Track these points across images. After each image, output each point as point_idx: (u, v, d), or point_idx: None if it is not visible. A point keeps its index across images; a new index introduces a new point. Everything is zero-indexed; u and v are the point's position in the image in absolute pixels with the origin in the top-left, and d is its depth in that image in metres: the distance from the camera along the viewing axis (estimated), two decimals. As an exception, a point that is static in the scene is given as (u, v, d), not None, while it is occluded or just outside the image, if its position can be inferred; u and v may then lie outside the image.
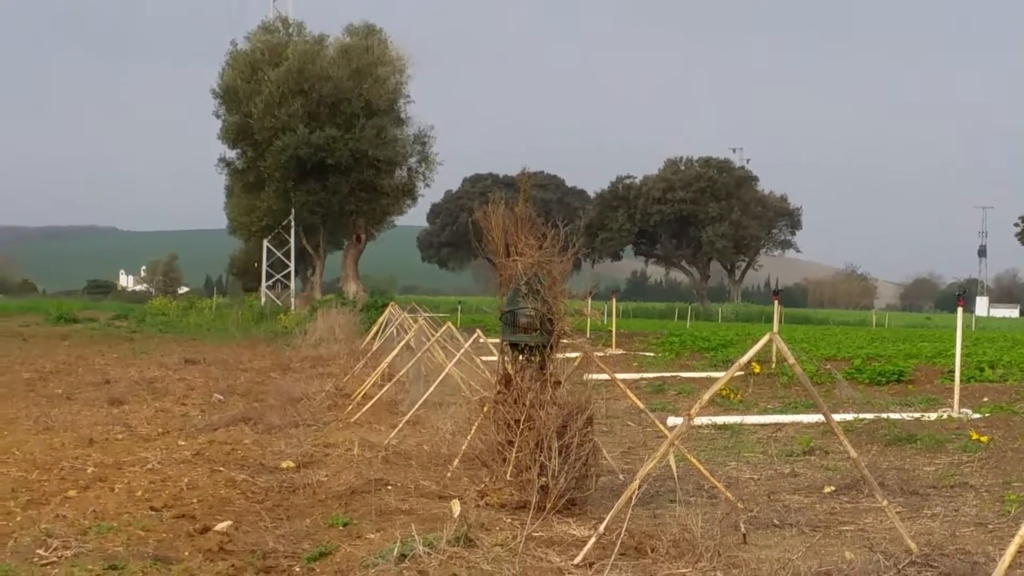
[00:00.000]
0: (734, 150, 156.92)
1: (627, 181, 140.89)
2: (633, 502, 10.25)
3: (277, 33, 78.45)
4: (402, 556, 9.85)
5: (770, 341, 10.66)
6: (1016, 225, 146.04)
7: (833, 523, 12.23)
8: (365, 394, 23.35)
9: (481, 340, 21.26)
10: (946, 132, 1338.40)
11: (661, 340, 46.52)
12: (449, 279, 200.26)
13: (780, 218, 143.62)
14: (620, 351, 41.40)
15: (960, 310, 22.56)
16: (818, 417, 18.64)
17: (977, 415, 20.62)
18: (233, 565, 10.13)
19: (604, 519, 10.30)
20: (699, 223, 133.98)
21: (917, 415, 20.73)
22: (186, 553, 10.51)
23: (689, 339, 45.33)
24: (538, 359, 12.71)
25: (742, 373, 23.34)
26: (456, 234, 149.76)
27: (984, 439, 17.52)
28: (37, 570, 9.85)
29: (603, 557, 9.88)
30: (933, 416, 20.53)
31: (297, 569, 10.13)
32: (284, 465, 15.57)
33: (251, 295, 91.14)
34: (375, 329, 38.60)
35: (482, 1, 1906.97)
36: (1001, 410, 21.31)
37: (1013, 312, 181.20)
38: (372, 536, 11.07)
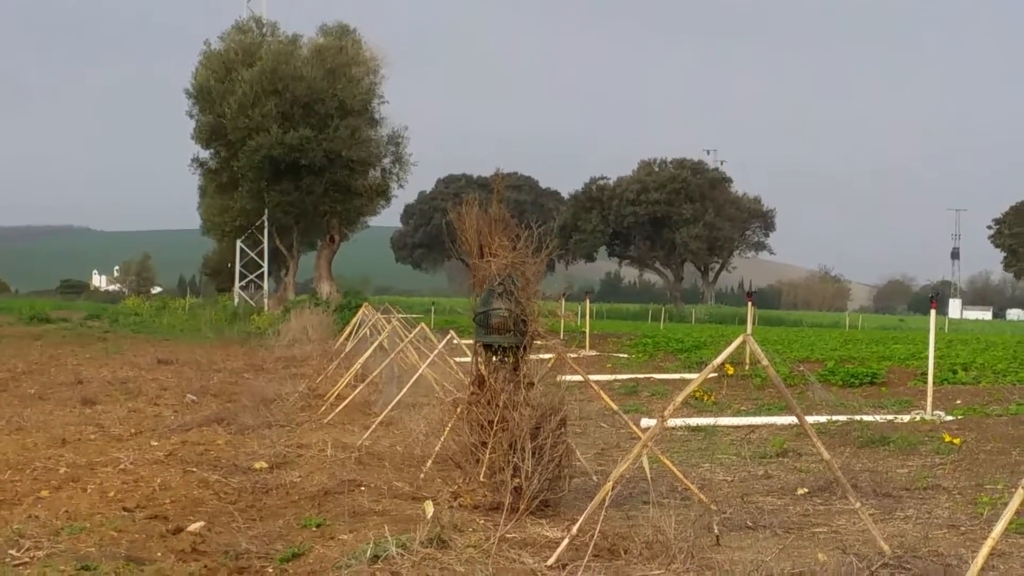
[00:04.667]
0: (708, 152, 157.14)
1: (601, 182, 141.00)
2: (606, 503, 10.25)
3: (251, 33, 78.32)
4: (375, 557, 9.84)
5: (744, 343, 10.68)
6: (989, 228, 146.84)
7: (806, 525, 12.25)
8: (338, 395, 23.35)
9: (455, 341, 21.26)
10: (919, 134, 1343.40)
11: (635, 341, 46.56)
12: (423, 280, 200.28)
13: (754, 220, 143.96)
14: (594, 352, 41.43)
15: (933, 312, 22.63)
16: (791, 419, 18.67)
17: (950, 417, 20.67)
18: (206, 566, 10.11)
19: (577, 520, 10.30)
20: (673, 224, 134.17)
21: (890, 417, 20.78)
22: (159, 554, 10.48)
23: (663, 340, 45.37)
24: (512, 360, 12.71)
25: (716, 375, 23.41)
26: (430, 235, 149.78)
27: (957, 441, 17.57)
28: (9, 571, 9.81)
29: (576, 558, 9.88)
30: (906, 418, 20.58)
31: (270, 570, 10.11)
32: (257, 466, 15.54)
33: (224, 295, 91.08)
34: (348, 330, 38.60)
35: (456, 2, 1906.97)
36: (974, 412, 21.38)
37: (986, 314, 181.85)
38: (345, 537, 11.05)
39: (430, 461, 14.80)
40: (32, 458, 15.63)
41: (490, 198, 13.06)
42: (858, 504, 10.62)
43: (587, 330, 45.16)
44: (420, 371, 20.04)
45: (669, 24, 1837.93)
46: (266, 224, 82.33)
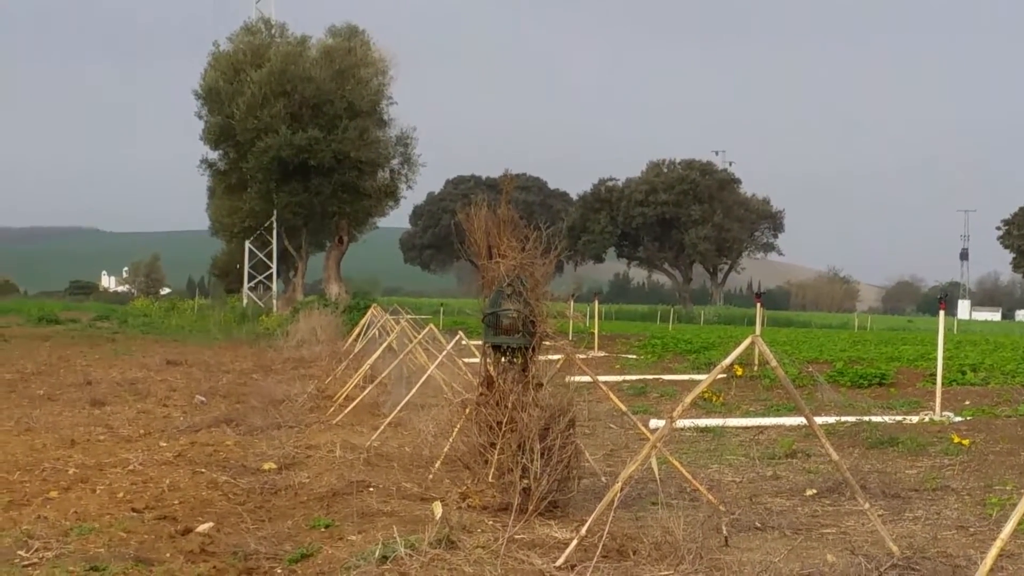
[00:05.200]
0: (717, 152, 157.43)
1: (610, 183, 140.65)
2: (615, 504, 10.26)
3: (259, 34, 78.24)
4: (384, 558, 9.85)
5: (752, 344, 10.66)
6: (998, 228, 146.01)
7: (815, 526, 12.24)
8: (347, 396, 23.36)
9: (463, 342, 21.25)
10: (928, 134, 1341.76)
11: (643, 342, 46.53)
12: (432, 281, 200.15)
13: (762, 221, 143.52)
14: (602, 353, 41.37)
15: (942, 313, 22.64)
16: (800, 420, 18.64)
17: (959, 418, 20.66)
18: (215, 567, 10.12)
19: (586, 521, 10.30)
20: (681, 225, 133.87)
21: (899, 418, 20.76)
22: (168, 555, 10.50)
23: (671, 341, 45.34)
24: (520, 361, 12.70)
25: (724, 376, 23.35)
26: (438, 236, 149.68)
27: (966, 442, 17.56)
28: (18, 571, 9.83)
29: (585, 559, 9.88)
30: (915, 419, 20.57)
31: (279, 571, 10.12)
32: (266, 467, 15.55)
33: (233, 296, 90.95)
34: (357, 331, 38.50)
35: (466, 3, 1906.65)
36: (983, 413, 21.36)
37: (995, 315, 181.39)
38: (354, 538, 11.06)
39: (439, 462, 14.80)
40: (41, 459, 15.66)
41: (499, 199, 13.06)
42: (867, 505, 10.62)
43: (596, 331, 45.06)
44: (429, 372, 20.03)
45: (678, 24, 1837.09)
46: (275, 225, 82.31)
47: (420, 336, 24.21)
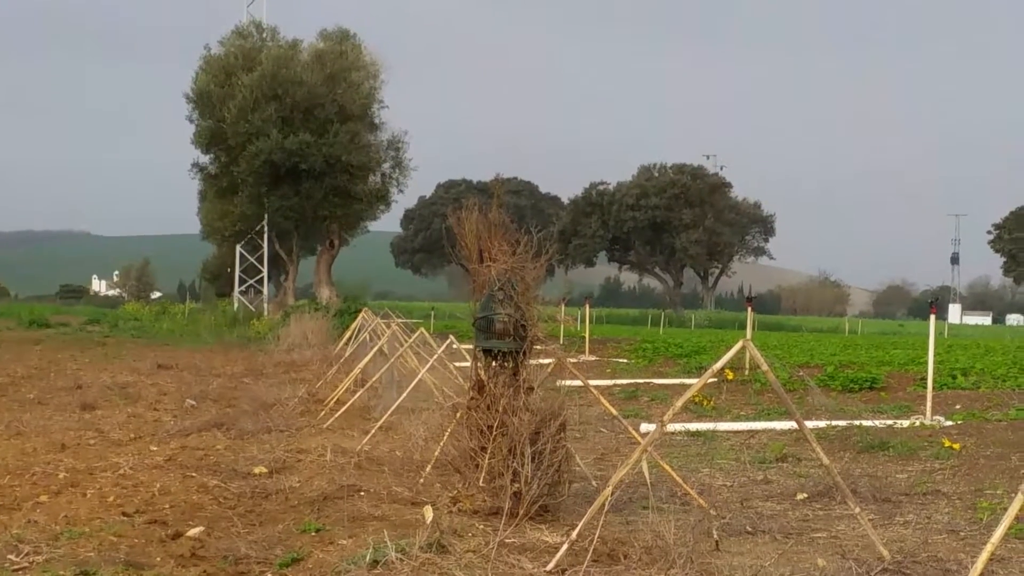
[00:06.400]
0: (708, 157, 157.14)
1: (601, 187, 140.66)
2: (606, 508, 10.24)
3: (251, 38, 78.16)
4: (374, 562, 9.84)
5: (743, 348, 10.67)
6: (989, 232, 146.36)
7: (806, 530, 12.24)
8: (338, 400, 23.32)
9: (454, 346, 21.26)
10: (919, 138, 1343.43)
11: (634, 346, 46.55)
12: (422, 285, 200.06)
13: (753, 225, 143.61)
14: (593, 357, 41.38)
15: (933, 317, 22.63)
16: (791, 424, 18.65)
17: (950, 422, 20.66)
18: (205, 571, 10.11)
19: (577, 526, 10.30)
20: (673, 230, 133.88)
21: (890, 422, 20.76)
22: (158, 559, 10.48)
23: (662, 345, 45.36)
24: (511, 365, 12.69)
25: (715, 380, 23.39)
26: (430, 240, 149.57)
27: (956, 446, 17.56)
28: (8, 575, 9.81)
29: (575, 564, 9.87)
30: (906, 423, 20.58)
31: (269, 575, 10.11)
32: (256, 471, 15.52)
33: (224, 300, 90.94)
34: (348, 335, 38.46)
35: (457, 7, 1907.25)
36: (973, 417, 21.36)
37: (985, 319, 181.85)
38: (344, 542, 11.05)
39: (429, 466, 14.80)
40: (31, 463, 15.62)
41: (490, 203, 13.04)
42: (857, 509, 10.62)
43: (587, 335, 45.09)
44: (419, 376, 20.03)
45: (669, 28, 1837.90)
46: (266, 229, 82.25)
47: (411, 340, 24.20)
